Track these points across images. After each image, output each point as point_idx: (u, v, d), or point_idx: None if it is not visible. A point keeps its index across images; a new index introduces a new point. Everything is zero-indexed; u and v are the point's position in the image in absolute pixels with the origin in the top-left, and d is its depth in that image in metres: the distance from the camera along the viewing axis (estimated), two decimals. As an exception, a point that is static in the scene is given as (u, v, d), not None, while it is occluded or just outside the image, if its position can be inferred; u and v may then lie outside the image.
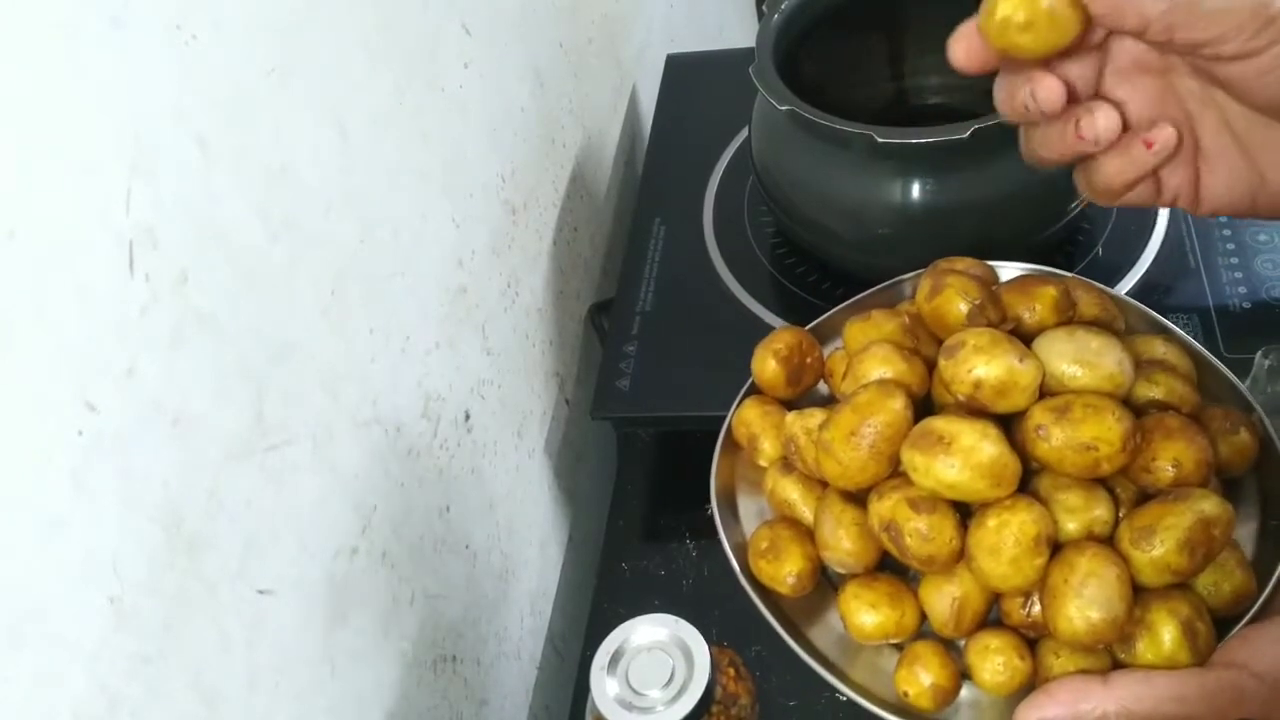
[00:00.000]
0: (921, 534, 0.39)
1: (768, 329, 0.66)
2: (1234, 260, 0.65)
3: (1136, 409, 0.41)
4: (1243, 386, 0.44)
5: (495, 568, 0.64)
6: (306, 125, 0.46)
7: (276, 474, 0.43)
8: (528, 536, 0.69)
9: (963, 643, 0.40)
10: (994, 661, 0.39)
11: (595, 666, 0.42)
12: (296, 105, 0.45)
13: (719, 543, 0.45)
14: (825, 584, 0.44)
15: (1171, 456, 0.39)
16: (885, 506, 0.39)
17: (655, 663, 0.42)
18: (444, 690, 0.57)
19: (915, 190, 0.62)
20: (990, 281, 0.46)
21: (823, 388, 0.49)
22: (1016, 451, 0.39)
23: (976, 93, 0.47)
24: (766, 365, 0.47)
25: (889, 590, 0.41)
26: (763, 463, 0.47)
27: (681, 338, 0.69)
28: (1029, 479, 0.40)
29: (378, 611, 0.51)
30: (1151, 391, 0.42)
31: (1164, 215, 0.68)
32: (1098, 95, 0.40)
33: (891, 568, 0.42)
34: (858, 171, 0.63)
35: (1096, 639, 0.37)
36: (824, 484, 0.43)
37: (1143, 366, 0.43)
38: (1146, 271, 0.66)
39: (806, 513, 0.44)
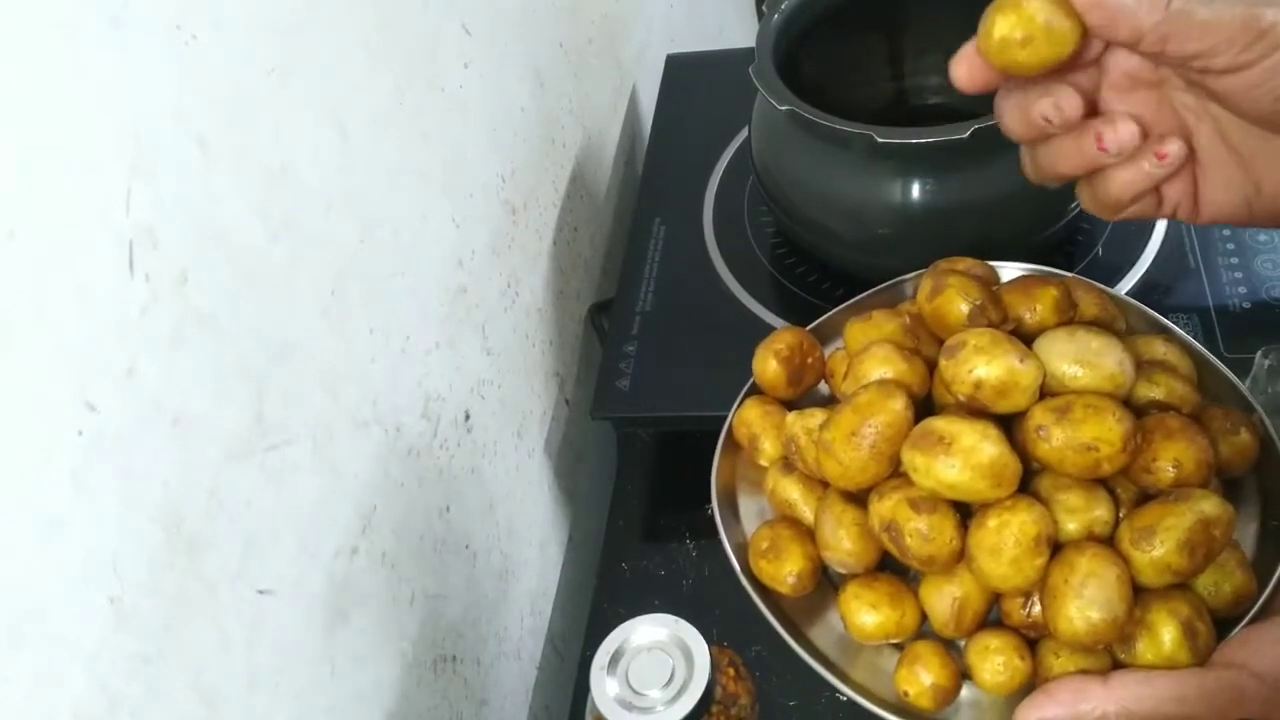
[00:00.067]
0: (922, 534, 0.39)
1: (768, 329, 0.66)
2: (1234, 260, 0.65)
3: (1137, 409, 0.41)
4: (1243, 387, 0.44)
5: (495, 568, 0.64)
6: (306, 125, 0.46)
7: (276, 474, 0.43)
8: (528, 536, 0.69)
9: (963, 643, 0.40)
10: (994, 661, 0.39)
11: (595, 666, 0.42)
12: (296, 105, 0.45)
13: (719, 543, 0.45)
14: (826, 584, 0.44)
15: (1172, 457, 0.39)
16: (886, 507, 0.39)
17: (655, 663, 0.42)
18: (444, 690, 0.57)
19: (915, 190, 0.62)
20: (991, 282, 0.46)
21: (823, 388, 0.49)
22: (1017, 452, 0.39)
23: (977, 93, 0.47)
24: (767, 365, 0.47)
25: (889, 590, 0.41)
26: (763, 463, 0.47)
27: (681, 338, 0.69)
28: (1029, 479, 0.40)
29: (378, 611, 0.51)
30: (1152, 392, 0.42)
31: (1164, 215, 0.68)
32: (1096, 112, 0.41)
33: (892, 568, 0.42)
34: (858, 171, 0.63)
35: (1096, 639, 0.37)
36: (825, 484, 0.43)
37: (1143, 367, 0.43)
38: (1146, 271, 0.66)
39: (807, 513, 0.44)
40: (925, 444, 0.38)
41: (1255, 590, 0.39)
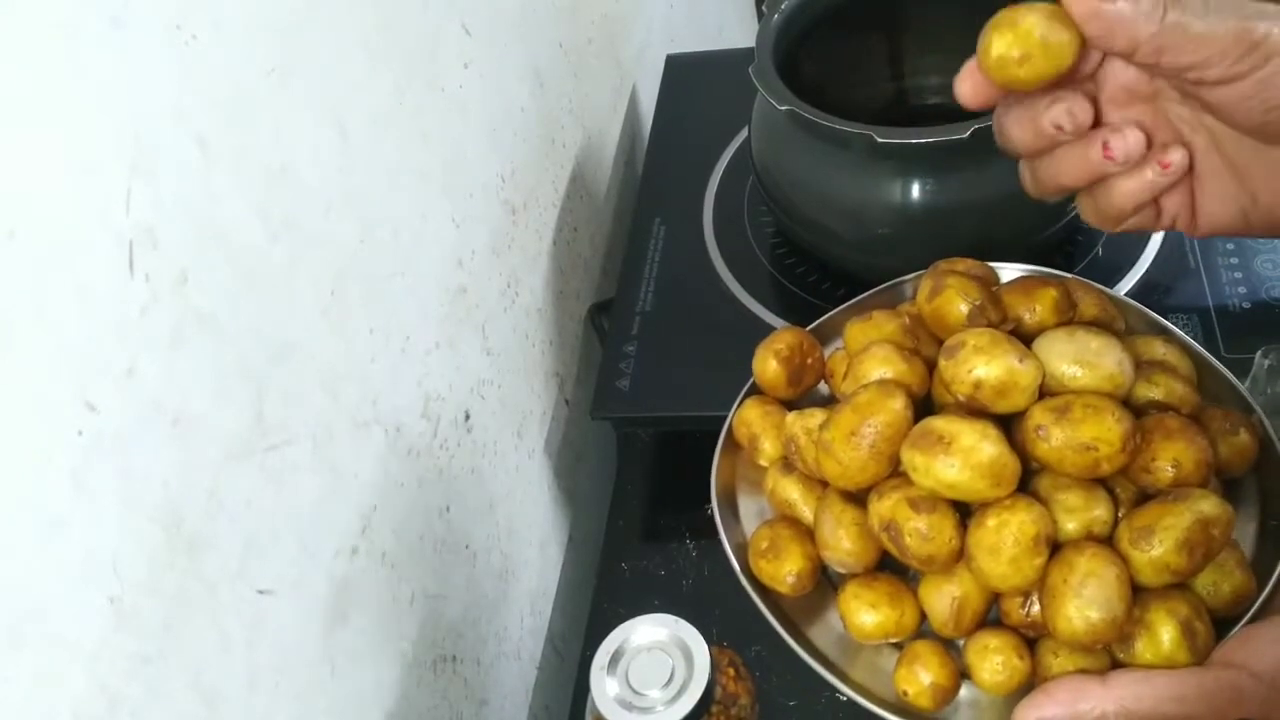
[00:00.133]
0: (921, 534, 0.39)
1: (768, 329, 0.66)
2: (1234, 260, 0.65)
3: (1136, 409, 0.41)
4: (1242, 387, 0.44)
5: (495, 568, 0.64)
6: (306, 125, 0.46)
7: (276, 474, 0.43)
8: (528, 536, 0.69)
9: (962, 642, 0.41)
10: (993, 661, 0.39)
11: (595, 666, 0.42)
12: (296, 105, 0.45)
13: (719, 543, 0.45)
14: (825, 583, 0.44)
15: (1171, 457, 0.39)
16: (885, 506, 0.39)
17: (655, 663, 0.42)
18: (444, 690, 0.57)
19: (915, 190, 0.62)
20: (991, 282, 0.46)
21: (823, 388, 0.49)
22: (1016, 451, 0.39)
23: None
24: (767, 365, 0.47)
25: (889, 590, 0.41)
26: (763, 462, 0.47)
27: (681, 338, 0.69)
28: (1029, 479, 0.40)
29: (378, 611, 0.51)
30: (1151, 392, 0.42)
31: (1164, 215, 0.68)
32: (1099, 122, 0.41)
33: (891, 567, 0.42)
34: (858, 171, 0.63)
35: (1095, 639, 0.37)
36: (824, 484, 0.43)
37: (1143, 367, 0.43)
38: (1146, 272, 0.66)
39: (807, 512, 0.44)
40: (925, 444, 0.38)
41: (1254, 590, 0.39)
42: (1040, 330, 0.43)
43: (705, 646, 0.42)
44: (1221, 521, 0.37)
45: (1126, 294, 0.63)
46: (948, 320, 0.44)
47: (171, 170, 0.37)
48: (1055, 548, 0.38)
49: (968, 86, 0.40)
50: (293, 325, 0.44)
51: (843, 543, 0.41)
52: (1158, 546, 0.37)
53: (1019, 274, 0.49)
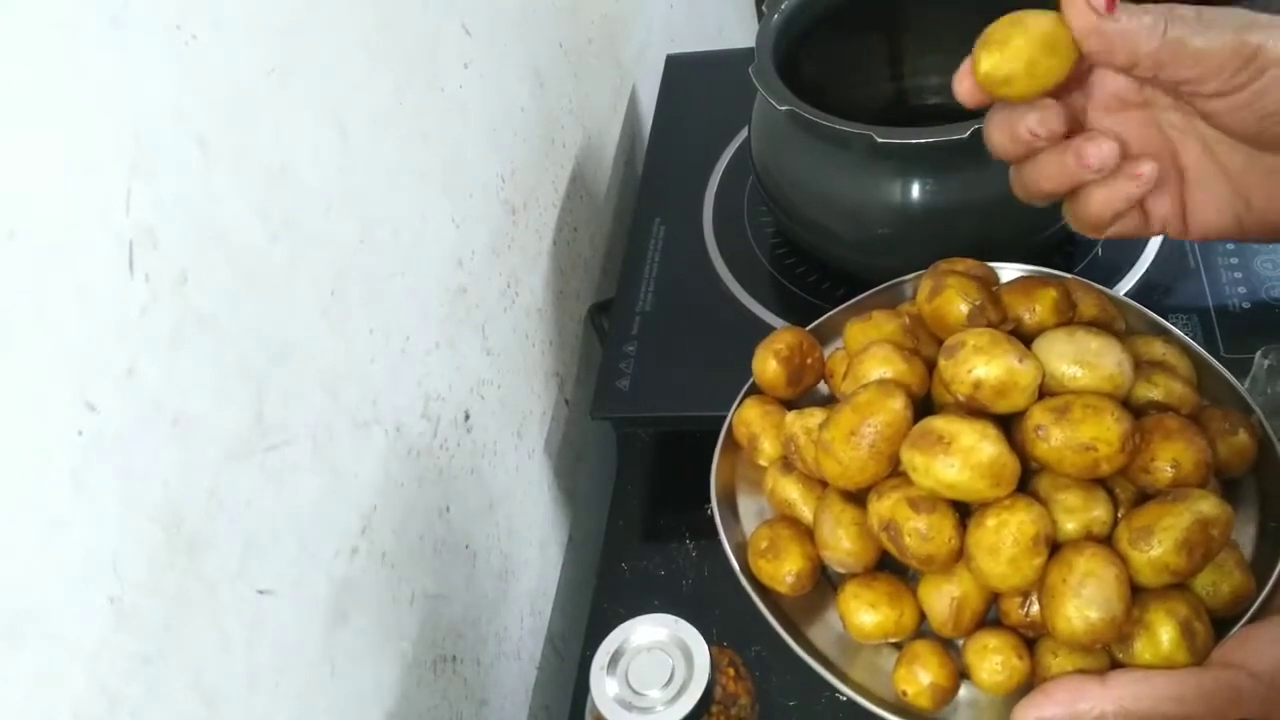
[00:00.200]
0: (921, 533, 0.39)
1: (768, 329, 0.66)
2: (1233, 260, 0.65)
3: (1136, 410, 0.41)
4: (1242, 388, 0.44)
5: (495, 568, 0.64)
6: (306, 125, 0.46)
7: (276, 474, 0.43)
8: (528, 536, 0.69)
9: (961, 642, 0.41)
10: (992, 661, 0.39)
11: (595, 666, 0.42)
12: (296, 105, 0.45)
13: (719, 542, 0.45)
14: (825, 583, 0.44)
15: (1170, 457, 0.39)
16: (885, 506, 0.40)
17: (655, 663, 0.42)
18: (444, 690, 0.57)
19: (915, 190, 0.62)
20: (990, 282, 0.46)
21: (823, 388, 0.49)
22: (1016, 452, 0.39)
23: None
24: (767, 365, 0.47)
25: (888, 590, 0.41)
26: (763, 462, 0.47)
27: (681, 338, 0.69)
28: (1028, 479, 0.40)
29: (378, 611, 0.51)
30: (1151, 392, 0.42)
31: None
32: (1084, 129, 0.42)
33: (891, 567, 0.42)
34: (858, 171, 0.63)
35: (1095, 639, 0.37)
36: (824, 484, 0.43)
37: (1142, 367, 0.43)
38: (1146, 272, 0.66)
39: (806, 512, 0.44)
40: (924, 443, 0.38)
41: (1253, 590, 0.39)
42: (1040, 330, 0.43)
43: (705, 646, 0.42)
44: (1221, 522, 0.37)
45: (1126, 294, 0.63)
46: (947, 320, 0.44)
47: (171, 170, 0.37)
48: (1055, 548, 0.38)
49: (965, 86, 0.41)
50: (293, 325, 0.44)
51: (842, 542, 0.41)
52: (1157, 547, 0.37)
53: (1019, 274, 0.49)
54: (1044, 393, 0.40)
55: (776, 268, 0.72)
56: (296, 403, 0.44)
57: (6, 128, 0.31)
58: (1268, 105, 0.37)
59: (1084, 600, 0.36)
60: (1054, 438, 0.38)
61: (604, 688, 0.42)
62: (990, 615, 0.41)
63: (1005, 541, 0.37)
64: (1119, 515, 0.39)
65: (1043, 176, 0.41)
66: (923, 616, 0.41)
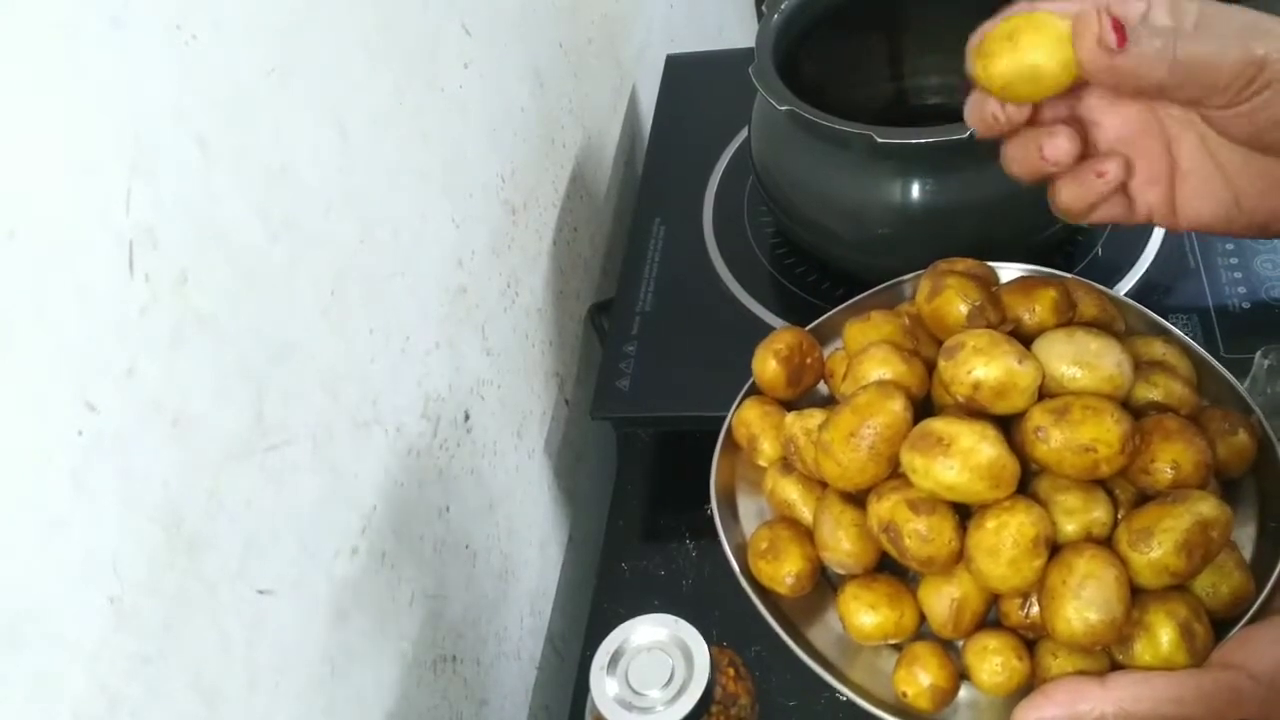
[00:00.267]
0: (920, 535, 0.39)
1: (768, 329, 0.66)
2: (1233, 260, 0.65)
3: (1135, 410, 0.41)
4: (1242, 388, 0.44)
5: (495, 568, 0.64)
6: (306, 125, 0.46)
7: (276, 474, 0.43)
8: (528, 536, 0.69)
9: (961, 643, 0.41)
10: (992, 662, 0.39)
11: (595, 666, 0.42)
12: (296, 105, 0.45)
13: (719, 542, 0.45)
14: (825, 584, 0.44)
15: (1170, 458, 0.39)
16: (884, 507, 0.39)
17: (655, 663, 0.42)
18: (444, 690, 0.57)
19: (915, 190, 0.62)
20: (990, 283, 0.46)
21: (823, 388, 0.49)
22: (1015, 453, 0.39)
23: (976, 94, 0.47)
24: (767, 366, 0.47)
25: (888, 591, 0.41)
26: (762, 463, 0.47)
27: (681, 338, 0.69)
28: (1028, 480, 0.40)
29: (378, 611, 0.51)
30: (1150, 393, 0.42)
31: (1163, 216, 0.68)
32: (1080, 117, 0.42)
33: (891, 568, 0.42)
34: (858, 171, 0.63)
35: (1094, 640, 0.37)
36: (824, 485, 0.43)
37: (1142, 368, 0.43)
38: (1146, 272, 0.66)
39: (806, 513, 0.44)
40: (924, 445, 0.38)
41: (1253, 591, 0.39)
42: (1040, 331, 0.43)
43: (705, 646, 0.42)
44: (1220, 523, 0.37)
45: (1126, 294, 0.63)
46: (947, 321, 0.44)
47: (171, 170, 0.37)
48: (1054, 549, 0.38)
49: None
50: (293, 325, 0.44)
51: (842, 544, 0.41)
52: (1157, 548, 0.37)
53: (1018, 274, 0.49)
54: (1044, 394, 0.40)
55: (776, 268, 0.72)
56: (296, 403, 0.44)
57: (7, 128, 0.31)
58: (1270, 115, 0.37)
59: (1084, 602, 0.36)
60: (1054, 439, 0.38)
61: (604, 688, 0.42)
62: (990, 617, 0.41)
63: (1005, 543, 0.37)
64: (1119, 516, 0.39)
65: (1013, 161, 0.42)
66: (923, 618, 0.41)
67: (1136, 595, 0.37)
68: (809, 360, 0.48)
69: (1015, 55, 0.38)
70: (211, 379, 0.39)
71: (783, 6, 0.68)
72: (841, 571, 0.43)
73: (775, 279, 0.71)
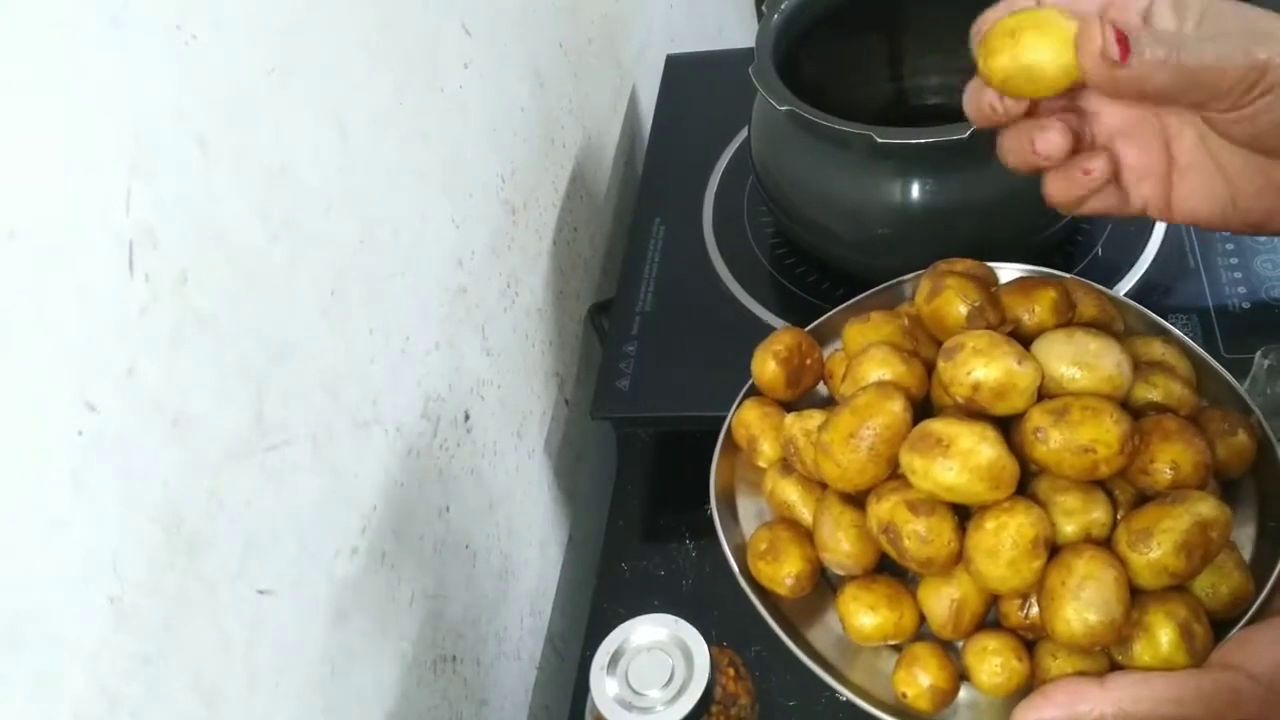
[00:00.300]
0: (920, 536, 0.39)
1: (767, 329, 0.66)
2: (1233, 260, 0.65)
3: (1135, 411, 0.41)
4: (1241, 388, 0.44)
5: (495, 568, 0.64)
6: (306, 125, 0.46)
7: (276, 474, 0.43)
8: (528, 536, 0.69)
9: (961, 644, 0.41)
10: (992, 663, 0.39)
11: (595, 666, 0.42)
12: (296, 105, 0.45)
13: (719, 543, 0.45)
14: (824, 585, 0.44)
15: (1169, 459, 0.39)
16: (884, 509, 0.39)
17: (655, 663, 0.42)
18: (444, 690, 0.57)
19: (915, 190, 0.62)
20: (989, 283, 0.46)
21: (822, 389, 0.49)
22: (1015, 454, 0.39)
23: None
24: (766, 367, 0.47)
25: (888, 592, 0.41)
26: (762, 464, 0.47)
27: (681, 338, 0.69)
28: (1027, 481, 0.40)
29: (378, 611, 0.51)
30: (1150, 393, 0.42)
31: (1164, 216, 0.68)
32: (1079, 107, 0.42)
33: (890, 569, 0.42)
34: (858, 171, 0.63)
35: (1094, 641, 0.37)
36: (823, 486, 0.43)
37: (1141, 368, 0.43)
38: (1146, 272, 0.66)
39: (805, 514, 0.44)
40: (923, 446, 0.38)
41: (1252, 592, 0.39)
42: (1039, 331, 0.43)
43: (705, 646, 0.42)
44: (1219, 523, 0.37)
45: (1126, 294, 0.63)
46: (946, 321, 0.44)
47: (171, 170, 0.37)
48: (1054, 550, 0.38)
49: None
50: (293, 325, 0.44)
51: (841, 545, 0.41)
52: (1156, 549, 0.37)
53: (1017, 275, 0.48)
54: (1043, 394, 0.40)
55: (776, 268, 0.72)
56: (296, 403, 0.44)
57: (7, 128, 0.31)
58: (1272, 119, 0.37)
59: (1083, 602, 0.36)
60: (1053, 440, 0.38)
61: (604, 688, 0.42)
62: (990, 617, 0.41)
63: (1004, 544, 0.37)
64: (1118, 517, 0.39)
65: (1008, 151, 0.42)
66: (922, 618, 0.41)
67: (1136, 596, 0.37)
68: (808, 361, 0.48)
69: (1016, 54, 0.38)
70: (211, 379, 0.39)
71: (783, 6, 0.68)
72: (841, 572, 0.43)
73: (775, 279, 0.71)
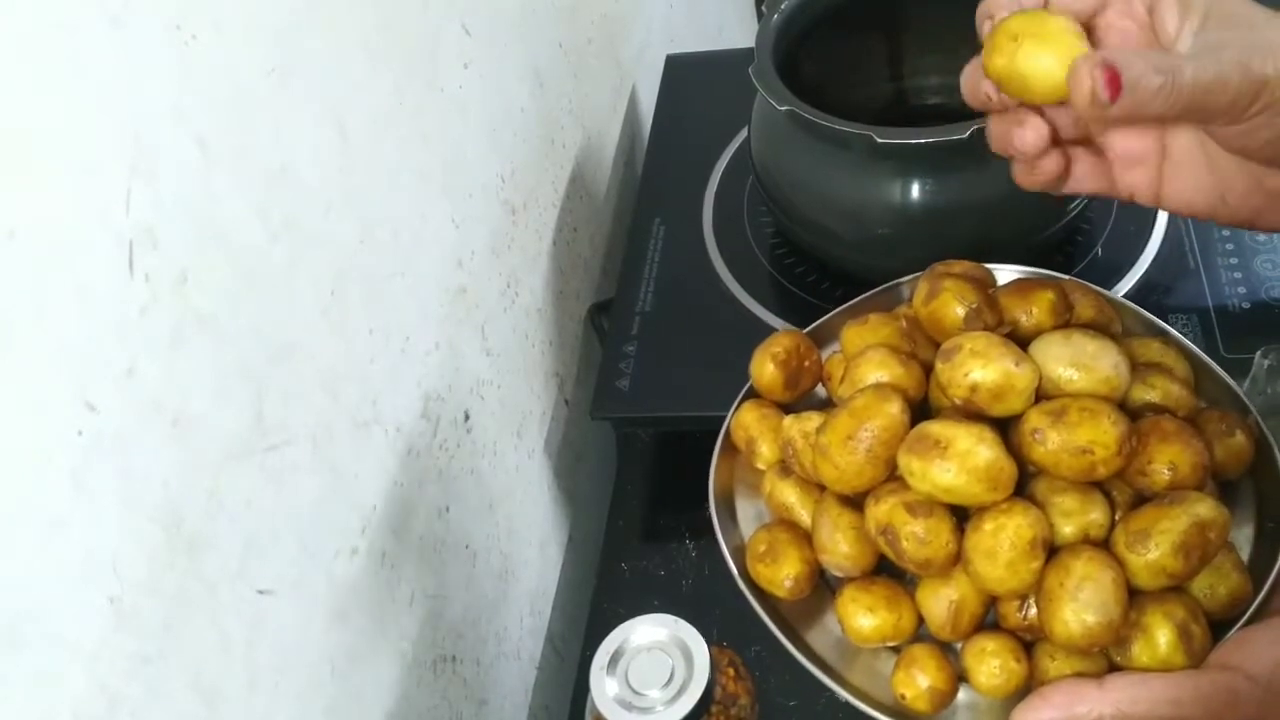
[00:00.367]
0: (918, 538, 0.39)
1: (767, 329, 0.66)
2: (1233, 260, 0.65)
3: (1133, 412, 0.41)
4: (1239, 389, 0.44)
5: (495, 568, 0.64)
6: (306, 125, 0.46)
7: (276, 474, 0.43)
8: (528, 536, 0.69)
9: (959, 646, 0.41)
10: (990, 664, 0.39)
11: (595, 666, 0.42)
12: (296, 105, 0.45)
13: (718, 544, 0.45)
14: (823, 587, 0.44)
15: (1167, 459, 0.39)
16: (882, 510, 0.40)
17: (655, 663, 0.42)
18: (444, 690, 0.57)
19: (915, 190, 0.62)
20: (987, 285, 0.46)
21: (821, 391, 0.49)
22: (1013, 455, 0.39)
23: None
24: (764, 369, 0.47)
25: (886, 593, 0.41)
26: (761, 466, 0.47)
27: (681, 338, 0.69)
28: (1025, 482, 0.40)
29: (378, 611, 0.51)
30: (1148, 394, 0.42)
31: (1163, 216, 0.68)
32: None
33: (889, 571, 0.42)
34: (857, 172, 0.63)
35: (1092, 642, 0.37)
36: (822, 487, 0.43)
37: (1139, 369, 0.43)
38: (1146, 272, 0.66)
39: (804, 516, 0.44)
40: (921, 448, 0.38)
41: (1251, 592, 0.39)
42: (1037, 333, 0.43)
43: (705, 646, 0.42)
44: (1217, 524, 0.37)
45: (1126, 294, 0.63)
46: (944, 323, 0.44)
47: (171, 170, 0.37)
48: (1052, 551, 0.38)
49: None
50: (293, 325, 0.44)
51: (840, 546, 0.41)
52: (1154, 550, 0.37)
53: (1015, 276, 0.49)
54: (1041, 396, 0.40)
55: (776, 268, 0.72)
56: (296, 403, 0.44)
57: (7, 127, 0.31)
58: (1268, 134, 0.38)
59: (1081, 604, 0.36)
60: (1051, 441, 0.38)
61: (604, 688, 0.42)
62: (988, 619, 0.41)
63: (1002, 545, 0.37)
64: (1116, 518, 0.39)
65: (992, 136, 0.43)
66: (921, 620, 0.41)
67: (1134, 597, 0.37)
68: (806, 363, 0.48)
69: (1015, 61, 0.38)
70: (211, 379, 0.39)
71: (783, 6, 0.68)
72: (840, 574, 0.43)
73: (775, 279, 0.71)
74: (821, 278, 0.70)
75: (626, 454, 0.73)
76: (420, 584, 0.55)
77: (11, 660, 0.31)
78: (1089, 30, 0.41)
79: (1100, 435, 0.38)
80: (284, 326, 0.44)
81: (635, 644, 0.43)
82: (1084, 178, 0.44)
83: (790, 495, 0.44)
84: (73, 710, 0.33)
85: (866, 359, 0.43)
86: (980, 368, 0.39)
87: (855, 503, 0.42)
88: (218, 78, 0.40)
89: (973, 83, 0.42)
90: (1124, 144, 0.43)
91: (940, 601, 0.40)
